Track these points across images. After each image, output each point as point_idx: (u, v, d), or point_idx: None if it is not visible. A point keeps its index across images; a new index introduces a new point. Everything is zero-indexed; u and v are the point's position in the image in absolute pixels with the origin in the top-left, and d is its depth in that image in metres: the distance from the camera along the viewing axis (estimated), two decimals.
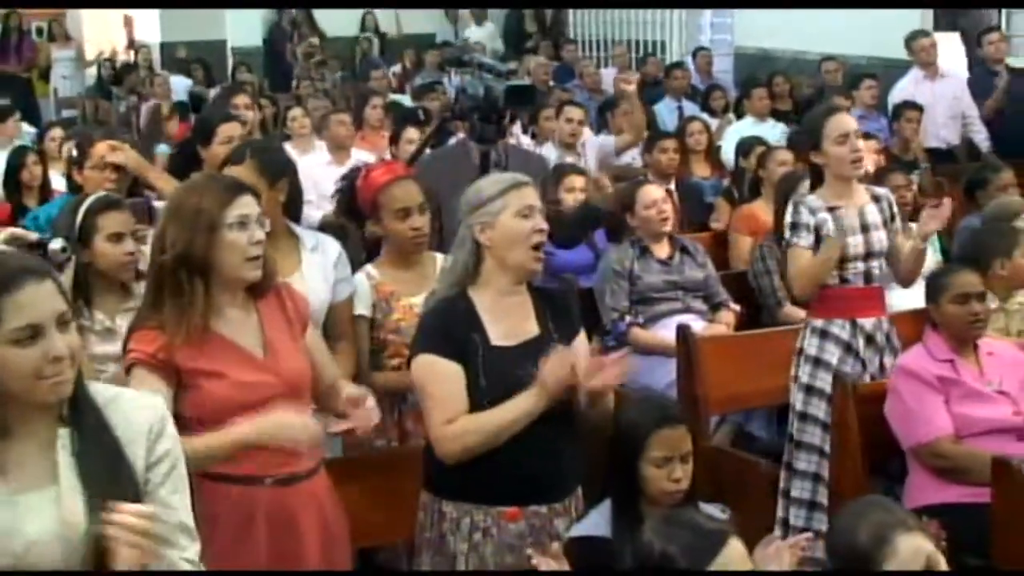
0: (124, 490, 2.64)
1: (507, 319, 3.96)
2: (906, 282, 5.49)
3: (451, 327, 3.91)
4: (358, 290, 4.86)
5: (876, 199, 5.36)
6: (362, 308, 4.83)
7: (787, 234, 5.34)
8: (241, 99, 8.19)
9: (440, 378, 3.88)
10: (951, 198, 6.51)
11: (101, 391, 2.76)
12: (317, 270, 4.75)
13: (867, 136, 8.19)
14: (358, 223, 5.31)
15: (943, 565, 3.10)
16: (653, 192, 6.69)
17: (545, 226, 3.97)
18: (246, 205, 3.68)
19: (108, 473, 2.65)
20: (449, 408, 3.86)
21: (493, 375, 3.86)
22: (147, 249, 4.28)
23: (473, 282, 3.97)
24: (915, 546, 3.06)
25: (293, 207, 4.88)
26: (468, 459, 3.84)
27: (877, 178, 7.16)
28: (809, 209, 5.24)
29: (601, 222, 6.96)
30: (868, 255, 5.25)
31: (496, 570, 3.87)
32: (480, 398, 3.86)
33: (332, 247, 4.88)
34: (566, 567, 3.63)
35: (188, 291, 3.60)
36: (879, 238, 5.26)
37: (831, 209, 5.22)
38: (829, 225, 5.19)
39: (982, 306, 5.03)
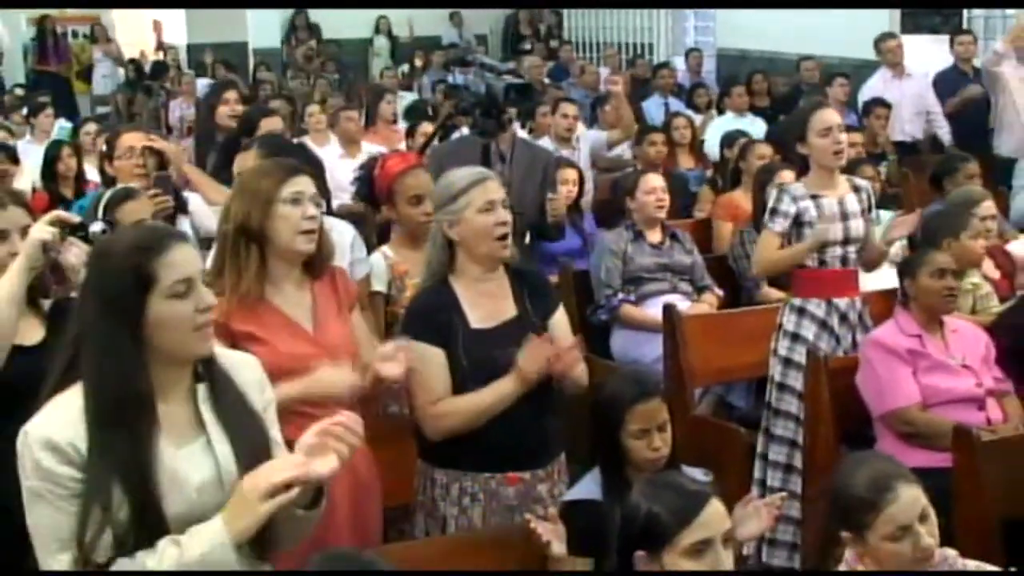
0: (256, 433, 2.72)
1: (485, 303, 3.96)
2: (868, 268, 5.49)
3: (433, 314, 3.92)
4: (375, 269, 4.88)
5: (856, 189, 5.35)
6: (379, 285, 4.85)
7: (765, 217, 5.34)
8: (231, 94, 8.20)
9: (424, 362, 3.87)
10: (916, 191, 6.55)
11: (216, 351, 2.81)
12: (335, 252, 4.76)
13: (850, 129, 8.25)
14: (373, 208, 5.33)
15: (934, 519, 3.10)
16: (654, 180, 6.74)
17: (508, 218, 3.95)
18: (301, 184, 3.70)
19: (244, 419, 2.74)
20: (432, 390, 3.87)
21: (474, 356, 3.87)
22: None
23: (451, 271, 3.98)
24: (915, 496, 3.07)
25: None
26: (452, 437, 3.86)
27: (849, 169, 7.18)
28: (792, 197, 5.23)
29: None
30: (846, 241, 5.24)
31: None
32: (462, 378, 3.87)
33: (348, 231, 4.89)
34: (562, 529, 3.64)
35: (244, 257, 3.63)
36: (857, 226, 5.25)
37: (814, 197, 5.22)
38: (811, 212, 5.19)
39: (956, 282, 5.04)
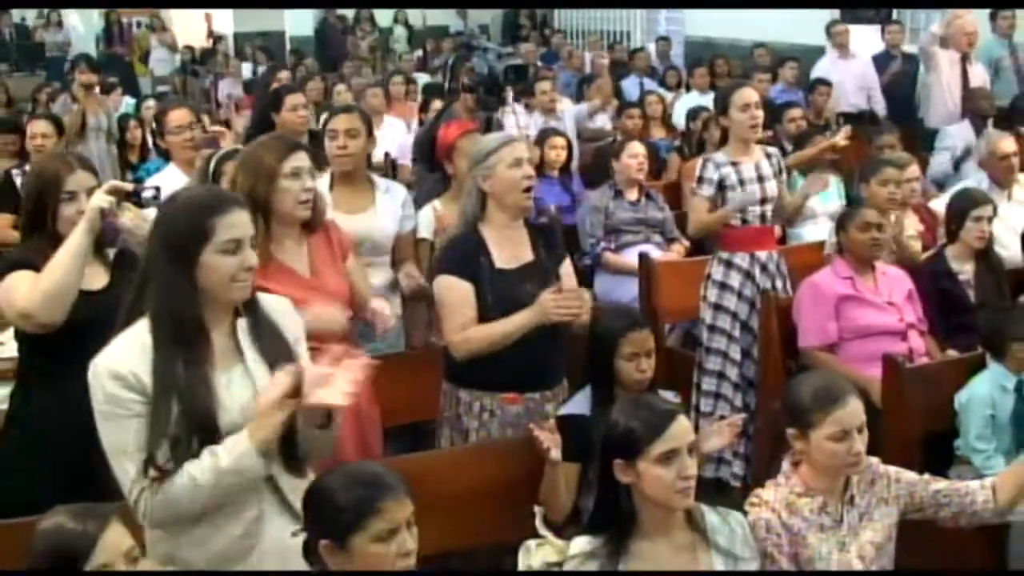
0: (289, 360, 2.72)
1: (508, 248, 3.96)
2: (789, 223, 5.47)
3: (464, 254, 3.92)
4: (423, 219, 4.88)
5: (768, 156, 5.32)
6: (425, 233, 4.84)
7: (694, 185, 5.31)
8: (284, 74, 8.19)
9: (455, 294, 3.89)
10: (855, 157, 6.57)
11: (258, 295, 2.83)
12: (387, 208, 4.75)
13: (794, 105, 8.25)
14: (431, 167, 5.33)
15: (866, 432, 3.08)
16: (636, 147, 6.76)
17: (532, 172, 3.98)
18: (300, 159, 3.71)
19: (279, 347, 2.75)
20: (461, 319, 3.88)
21: (498, 292, 3.87)
22: None
23: (481, 220, 3.97)
24: (858, 407, 3.08)
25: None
26: (475, 358, 3.87)
27: (800, 140, 7.18)
28: (715, 164, 5.20)
29: None
30: (763, 200, 5.21)
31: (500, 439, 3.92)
32: (487, 311, 3.87)
33: (400, 191, 4.90)
34: (559, 438, 3.66)
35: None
36: (771, 187, 5.23)
37: (734, 164, 5.19)
38: (732, 177, 5.16)
39: (880, 233, 5.03)
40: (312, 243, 3.80)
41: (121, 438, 2.58)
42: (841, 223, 5.13)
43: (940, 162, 7.88)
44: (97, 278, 3.59)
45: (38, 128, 6.48)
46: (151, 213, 3.28)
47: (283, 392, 2.57)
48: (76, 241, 3.42)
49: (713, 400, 5.27)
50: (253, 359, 2.71)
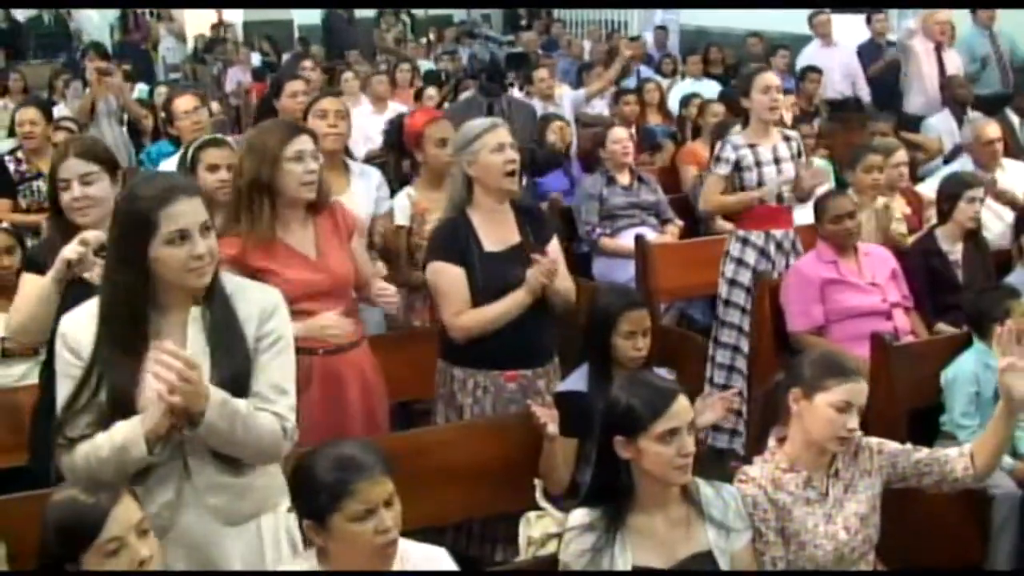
0: (236, 351, 2.68)
1: (496, 231, 3.97)
2: (802, 202, 5.48)
3: (454, 239, 3.93)
4: (399, 205, 4.84)
5: (787, 139, 5.33)
6: (402, 220, 4.81)
7: (712, 164, 5.33)
8: (308, 62, 8.17)
9: (448, 279, 3.91)
10: (843, 142, 6.56)
11: (231, 280, 2.79)
12: (362, 190, 4.80)
13: (787, 92, 8.23)
14: (400, 155, 5.33)
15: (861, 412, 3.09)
16: (619, 132, 6.72)
17: (515, 156, 3.97)
18: (302, 143, 3.68)
19: (227, 339, 2.68)
20: (455, 302, 3.90)
21: (487, 274, 3.89)
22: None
23: (468, 204, 3.97)
24: (864, 389, 3.08)
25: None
26: (473, 339, 3.88)
27: (792, 126, 7.16)
28: (733, 146, 5.22)
29: (553, 163, 6.94)
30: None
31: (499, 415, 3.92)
32: (477, 293, 3.90)
33: (374, 174, 4.94)
34: (556, 414, 3.66)
35: (257, 207, 3.62)
36: (788, 168, 5.23)
37: (751, 146, 5.20)
38: (749, 158, 5.18)
39: (853, 222, 5.04)
40: (318, 225, 3.78)
41: (59, 394, 2.65)
42: (816, 213, 5.14)
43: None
44: None
45: (27, 115, 6.41)
46: None
47: (161, 387, 2.49)
48: (43, 287, 3.33)
49: (727, 372, 5.32)
50: (196, 350, 2.63)
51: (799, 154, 5.33)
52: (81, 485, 2.49)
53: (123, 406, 2.58)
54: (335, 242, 3.80)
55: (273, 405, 2.69)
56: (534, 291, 3.85)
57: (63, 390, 2.63)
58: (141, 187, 2.66)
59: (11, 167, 6.24)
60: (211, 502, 2.70)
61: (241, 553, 2.75)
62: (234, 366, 2.66)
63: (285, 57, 13.63)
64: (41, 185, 6.11)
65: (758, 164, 5.18)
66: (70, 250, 3.27)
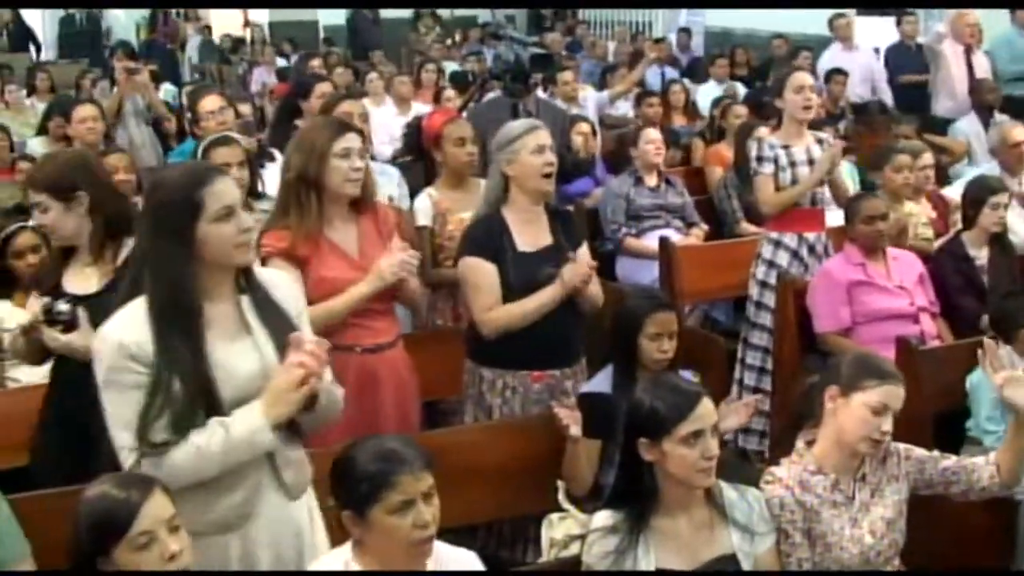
0: (289, 333, 2.69)
1: (529, 231, 3.98)
2: (840, 202, 5.46)
3: (488, 237, 3.95)
4: (421, 206, 4.85)
5: (820, 141, 5.32)
6: (424, 220, 4.81)
7: (754, 165, 5.29)
8: (316, 61, 8.22)
9: (480, 275, 3.92)
10: (867, 145, 6.53)
11: (256, 270, 2.82)
12: (383, 189, 4.79)
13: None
14: (418, 156, 5.35)
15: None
16: (652, 134, 6.73)
17: (554, 159, 3.99)
18: (350, 140, 3.73)
19: (282, 323, 2.72)
20: (487, 298, 3.90)
21: (519, 272, 3.90)
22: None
23: (504, 203, 3.99)
24: (902, 394, 3.07)
25: None
26: (502, 337, 3.88)
27: (818, 126, 7.14)
28: (768, 145, 5.22)
29: (582, 169, 6.94)
30: None
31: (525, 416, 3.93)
32: (508, 290, 3.90)
33: (394, 173, 4.97)
34: (579, 416, 3.66)
35: (305, 202, 3.67)
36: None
37: (785, 147, 5.19)
38: (783, 159, 5.18)
39: (884, 224, 5.02)
40: (361, 224, 3.81)
41: (120, 408, 2.57)
42: (847, 214, 5.11)
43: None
44: (90, 281, 3.46)
45: (87, 112, 6.47)
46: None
47: (302, 374, 2.58)
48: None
49: (757, 374, 5.31)
50: (260, 333, 2.69)
51: None
52: (114, 480, 2.49)
53: (208, 398, 2.59)
54: (377, 241, 3.82)
55: (326, 382, 2.76)
56: (568, 288, 3.85)
57: (131, 401, 2.55)
58: (177, 173, 2.72)
59: None
60: (288, 479, 2.74)
61: (304, 522, 2.81)
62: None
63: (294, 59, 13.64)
64: None
65: (792, 164, 5.18)
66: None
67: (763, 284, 5.30)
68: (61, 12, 16.91)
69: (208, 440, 2.57)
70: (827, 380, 3.13)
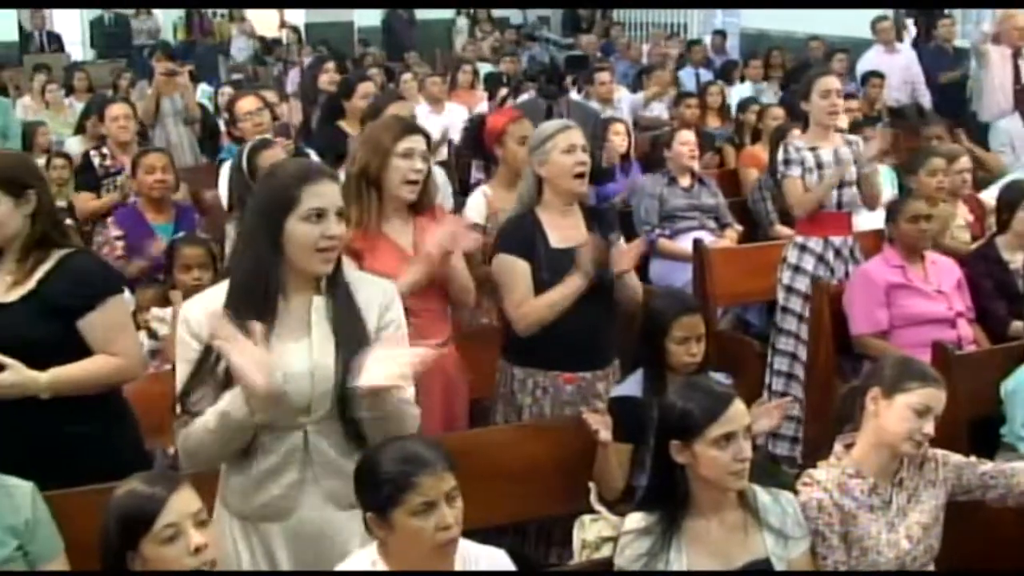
0: (360, 339, 2.71)
1: (563, 228, 3.97)
2: (870, 206, 5.42)
3: (521, 234, 3.96)
4: (475, 203, 4.87)
5: (848, 143, 5.27)
6: (477, 218, 4.82)
7: (782, 168, 5.26)
8: (329, 65, 8.31)
9: (513, 273, 3.92)
10: (905, 148, 6.48)
11: (351, 273, 2.83)
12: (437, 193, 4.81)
13: (849, 96, 8.16)
14: (476, 154, 5.36)
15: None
16: (687, 135, 6.72)
17: (585, 159, 3.97)
18: (414, 141, 3.77)
19: (353, 330, 2.71)
20: (519, 295, 3.91)
21: (552, 270, 3.89)
22: None
23: (538, 202, 4.00)
24: (943, 398, 3.04)
25: None
26: (534, 331, 3.88)
27: (852, 130, 7.09)
28: (795, 148, 5.18)
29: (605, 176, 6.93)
30: (840, 185, 5.16)
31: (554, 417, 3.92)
32: (542, 288, 3.90)
33: (439, 173, 4.94)
34: (609, 420, 3.65)
35: (365, 197, 3.72)
36: (849, 173, 5.17)
37: (812, 149, 5.15)
38: (810, 161, 5.15)
39: (928, 224, 4.97)
40: (419, 224, 3.83)
41: (180, 373, 2.68)
42: (890, 215, 5.07)
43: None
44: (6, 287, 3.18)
45: (120, 111, 6.53)
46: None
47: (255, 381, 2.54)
48: None
49: (785, 379, 5.27)
50: (320, 337, 2.69)
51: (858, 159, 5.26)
52: (142, 477, 2.53)
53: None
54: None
55: (405, 393, 2.73)
56: (585, 275, 3.82)
57: (181, 372, 2.67)
58: (287, 167, 2.79)
59: (96, 162, 6.35)
60: (329, 485, 2.73)
61: (356, 535, 2.77)
62: (356, 356, 2.67)
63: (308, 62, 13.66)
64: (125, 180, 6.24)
65: (819, 166, 5.14)
66: None
67: (789, 289, 5.26)
68: (91, 13, 17.06)
69: (211, 412, 2.61)
70: (868, 383, 3.12)
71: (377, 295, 2.81)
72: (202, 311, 2.67)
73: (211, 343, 2.56)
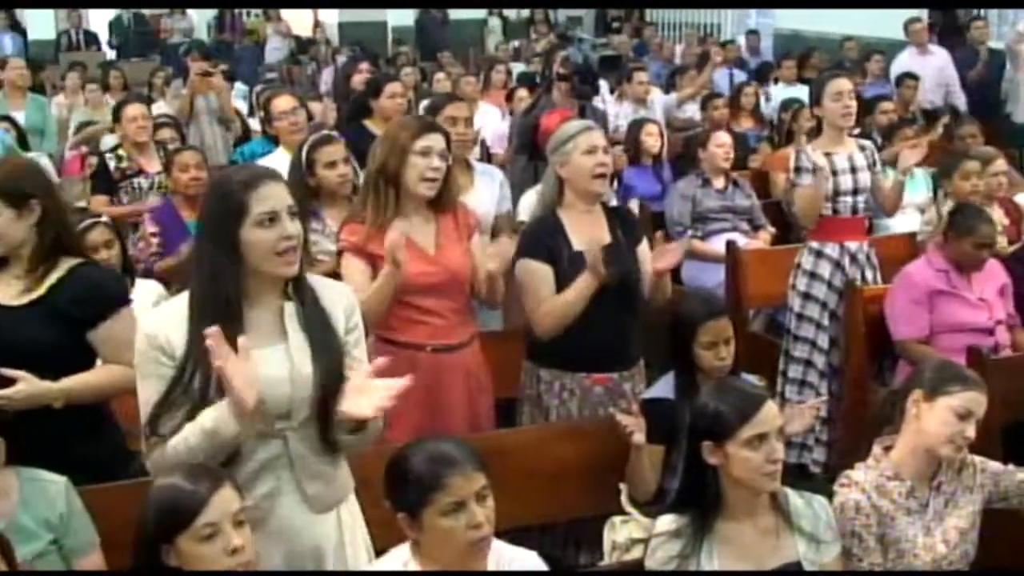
0: (335, 349, 2.70)
1: (585, 231, 3.95)
2: (889, 212, 5.36)
3: (543, 237, 3.94)
4: (527, 203, 4.89)
5: (862, 148, 5.20)
6: (524, 216, 4.83)
7: (793, 176, 5.20)
8: (364, 65, 8.33)
9: (534, 276, 3.91)
10: (939, 151, 6.42)
11: (310, 279, 2.79)
12: (486, 189, 4.88)
13: (884, 98, 8.10)
14: (530, 153, 5.35)
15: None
16: (723, 136, 6.70)
17: (606, 160, 3.96)
18: (433, 140, 3.74)
19: (326, 336, 2.70)
20: (540, 297, 3.90)
21: (575, 272, 3.88)
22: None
23: (560, 204, 3.98)
24: (984, 401, 3.02)
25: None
26: (555, 333, 3.87)
27: (889, 133, 7.06)
28: (807, 155, 5.09)
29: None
30: (855, 191, 5.09)
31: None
32: (563, 290, 3.88)
33: (496, 173, 5.02)
34: (642, 422, 3.64)
35: (383, 195, 3.71)
36: (864, 178, 5.10)
37: (826, 155, 5.07)
38: (825, 168, 5.07)
39: (990, 252, 4.87)
40: (440, 221, 3.83)
41: (145, 394, 2.63)
42: (956, 229, 4.84)
43: None
44: (14, 291, 3.19)
45: (136, 111, 6.38)
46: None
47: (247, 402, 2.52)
48: None
49: (798, 387, 5.19)
50: (297, 343, 2.67)
51: (873, 164, 5.20)
52: (185, 471, 2.52)
53: (221, 397, 2.58)
54: (455, 238, 3.84)
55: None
56: (595, 274, 3.79)
57: (150, 390, 2.61)
58: (227, 175, 2.73)
59: (111, 164, 6.29)
60: (310, 491, 2.73)
61: (331, 539, 2.78)
62: (331, 361, 2.68)
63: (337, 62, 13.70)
64: (142, 182, 6.20)
65: (834, 173, 5.04)
66: None
67: (806, 296, 5.17)
68: (109, 14, 17.18)
69: (190, 432, 2.57)
70: (910, 385, 3.10)
71: (339, 299, 2.80)
72: (168, 325, 2.62)
73: (213, 363, 2.48)
